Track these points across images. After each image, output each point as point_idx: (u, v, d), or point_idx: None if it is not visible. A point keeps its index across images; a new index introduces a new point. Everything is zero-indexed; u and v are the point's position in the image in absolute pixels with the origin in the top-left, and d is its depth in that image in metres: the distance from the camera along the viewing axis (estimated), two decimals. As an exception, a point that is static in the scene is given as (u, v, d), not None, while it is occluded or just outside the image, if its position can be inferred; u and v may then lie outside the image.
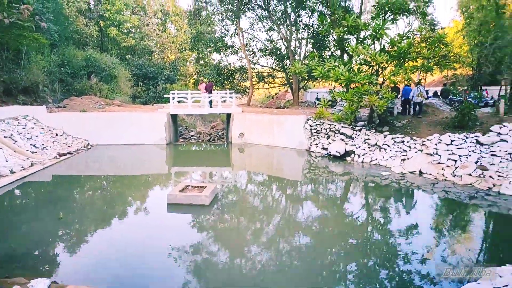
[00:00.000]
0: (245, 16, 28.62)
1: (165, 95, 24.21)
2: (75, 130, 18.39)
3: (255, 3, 27.72)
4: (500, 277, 5.16)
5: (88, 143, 18.17)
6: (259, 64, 31.61)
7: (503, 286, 4.82)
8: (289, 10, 26.72)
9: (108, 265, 6.52)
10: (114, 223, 8.78)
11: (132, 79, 30.02)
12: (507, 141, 12.34)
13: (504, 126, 13.07)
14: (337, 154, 15.46)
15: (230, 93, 22.18)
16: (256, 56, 30.94)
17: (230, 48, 29.90)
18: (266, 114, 20.08)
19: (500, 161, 11.60)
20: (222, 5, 27.36)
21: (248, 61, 28.53)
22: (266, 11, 27.62)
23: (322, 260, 6.76)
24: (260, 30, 30.28)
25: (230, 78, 30.88)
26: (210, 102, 21.25)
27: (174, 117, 21.06)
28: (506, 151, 11.86)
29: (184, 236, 7.92)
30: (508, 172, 11.03)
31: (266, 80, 31.86)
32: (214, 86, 28.73)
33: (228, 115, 21.32)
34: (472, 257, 6.89)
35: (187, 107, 21.05)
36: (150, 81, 31.46)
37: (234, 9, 26.68)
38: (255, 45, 30.92)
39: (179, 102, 22.10)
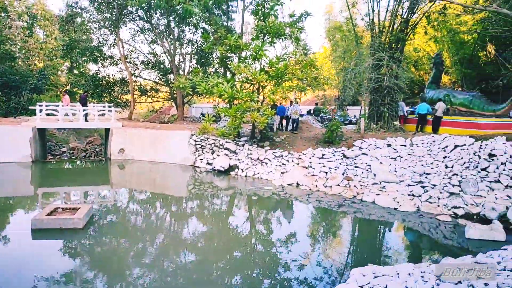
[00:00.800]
0: (126, 26, 27.44)
1: (30, 107, 21.56)
2: None
3: (136, 15, 26.79)
4: (364, 276, 5.83)
5: None
6: (141, 77, 30.51)
7: (366, 284, 5.46)
8: (172, 24, 26.52)
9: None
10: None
11: (-12, 88, 25.95)
12: (367, 155, 14.19)
13: (364, 141, 15.03)
14: (222, 169, 15.73)
15: (109, 106, 20.87)
16: (138, 68, 29.80)
17: (109, 59, 28.21)
18: (149, 129, 19.41)
19: (362, 172, 13.26)
20: (99, 13, 25.72)
21: (129, 73, 27.28)
22: (149, 24, 26.93)
23: (207, 276, 6.73)
24: (142, 42, 29.38)
25: (109, 90, 29.03)
26: (86, 115, 19.65)
27: (41, 132, 18.82)
28: (366, 163, 13.61)
29: (53, 264, 7.03)
30: (368, 181, 12.66)
31: (149, 93, 30.86)
32: (91, 98, 26.71)
33: (107, 130, 19.97)
34: (342, 260, 7.66)
35: (58, 121, 19.05)
36: (12, 90, 27.55)
37: (113, 18, 25.34)
38: (137, 57, 29.80)
39: (48, 115, 19.90)
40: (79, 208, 9.35)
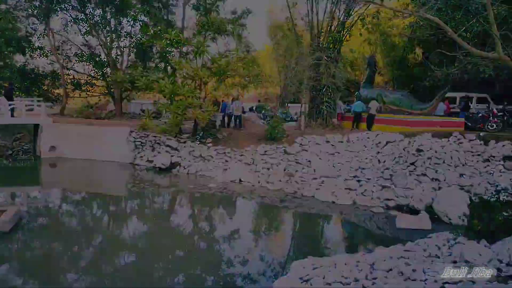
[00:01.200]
0: (57, 16, 25.62)
1: None
2: None
3: (69, 3, 25.11)
4: (303, 268, 6.02)
5: None
6: (74, 70, 28.65)
7: (305, 276, 5.64)
8: (108, 15, 25.24)
9: None
10: None
11: None
12: (307, 151, 14.63)
13: (304, 138, 15.48)
14: (163, 166, 15.33)
15: (38, 101, 19.41)
16: (71, 61, 27.96)
17: (39, 50, 26.20)
18: (84, 125, 18.37)
19: (303, 168, 13.65)
20: (27, 0, 23.79)
21: (60, 66, 25.55)
22: (83, 14, 25.38)
23: (148, 277, 6.54)
24: (75, 33, 27.49)
25: (39, 83, 26.98)
26: (12, 110, 18.07)
27: (-41, 128, 17.07)
28: (306, 159, 14.04)
29: (-25, 274, 6.44)
30: (308, 177, 13.06)
31: (83, 88, 29.10)
32: (17, 92, 24.64)
33: (36, 126, 18.58)
34: (284, 253, 7.85)
35: (-21, 116, 17.36)
36: None
37: (43, 6, 23.57)
38: (70, 48, 27.91)
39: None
40: (5, 210, 8.64)
